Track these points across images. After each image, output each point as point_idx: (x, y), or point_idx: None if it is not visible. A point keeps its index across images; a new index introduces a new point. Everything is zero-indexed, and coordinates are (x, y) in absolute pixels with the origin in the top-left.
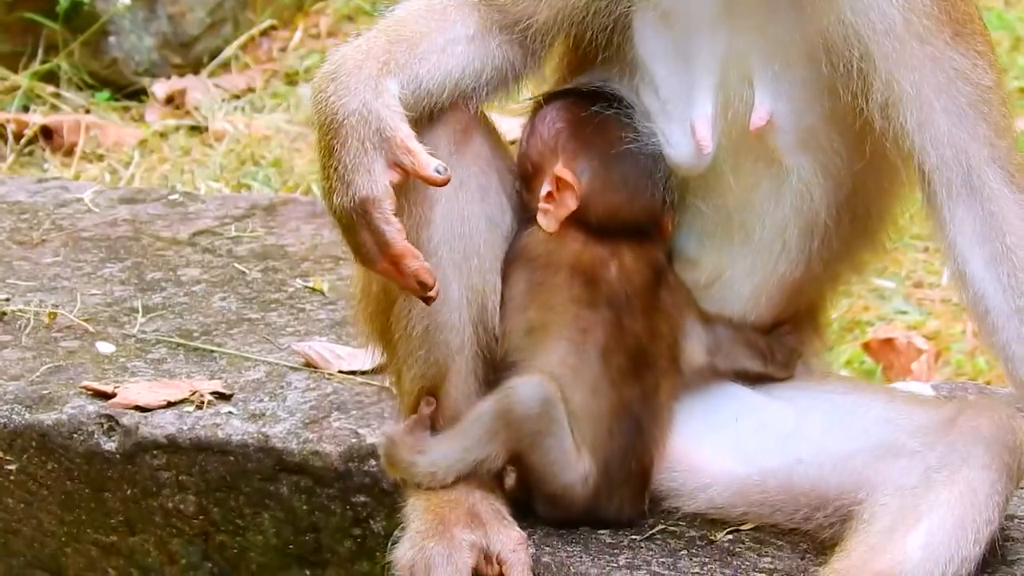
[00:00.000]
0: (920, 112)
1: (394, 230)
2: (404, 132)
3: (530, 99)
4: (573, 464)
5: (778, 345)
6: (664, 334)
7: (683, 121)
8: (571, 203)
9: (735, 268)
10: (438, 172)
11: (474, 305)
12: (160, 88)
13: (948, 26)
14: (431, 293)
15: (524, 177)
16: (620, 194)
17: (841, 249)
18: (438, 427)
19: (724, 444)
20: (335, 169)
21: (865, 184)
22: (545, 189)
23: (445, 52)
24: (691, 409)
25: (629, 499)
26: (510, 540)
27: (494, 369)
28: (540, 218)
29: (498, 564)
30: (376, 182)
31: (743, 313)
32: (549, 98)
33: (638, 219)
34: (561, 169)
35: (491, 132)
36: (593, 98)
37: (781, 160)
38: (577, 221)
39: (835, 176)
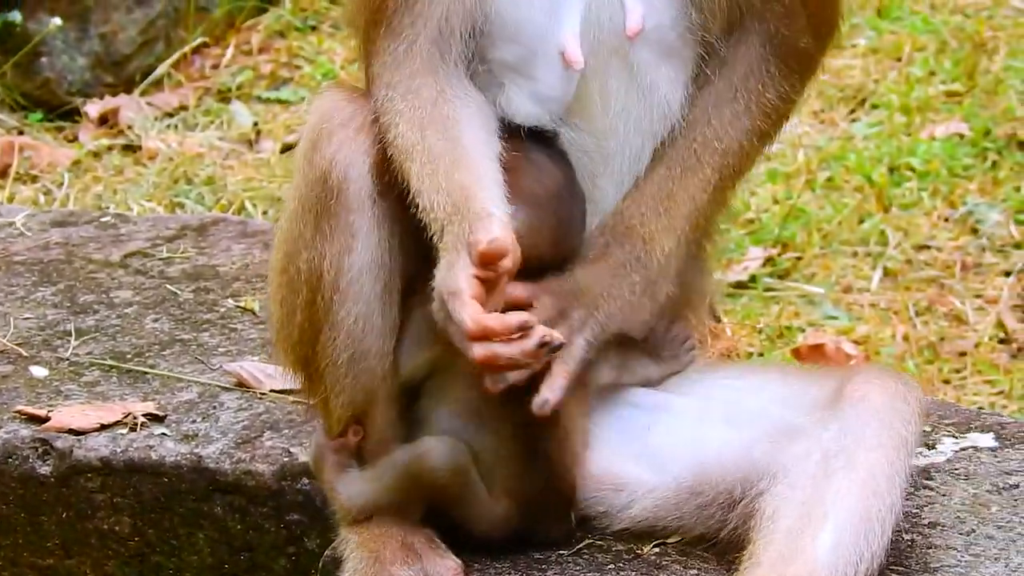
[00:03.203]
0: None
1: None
2: None
3: None
4: (489, 513)
5: (665, 341)
6: None
7: (548, 50)
8: None
9: (606, 202)
10: None
11: (395, 335)
12: (93, 108)
13: None
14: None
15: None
16: (548, 237)
17: None
18: (364, 451)
19: (639, 457)
20: None
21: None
22: None
23: None
24: (604, 425)
25: (554, 523)
26: (447, 571)
27: (408, 397)
28: None
29: None
30: None
31: None
32: None
33: (559, 259)
34: None
35: None
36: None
37: (646, 76)
38: None
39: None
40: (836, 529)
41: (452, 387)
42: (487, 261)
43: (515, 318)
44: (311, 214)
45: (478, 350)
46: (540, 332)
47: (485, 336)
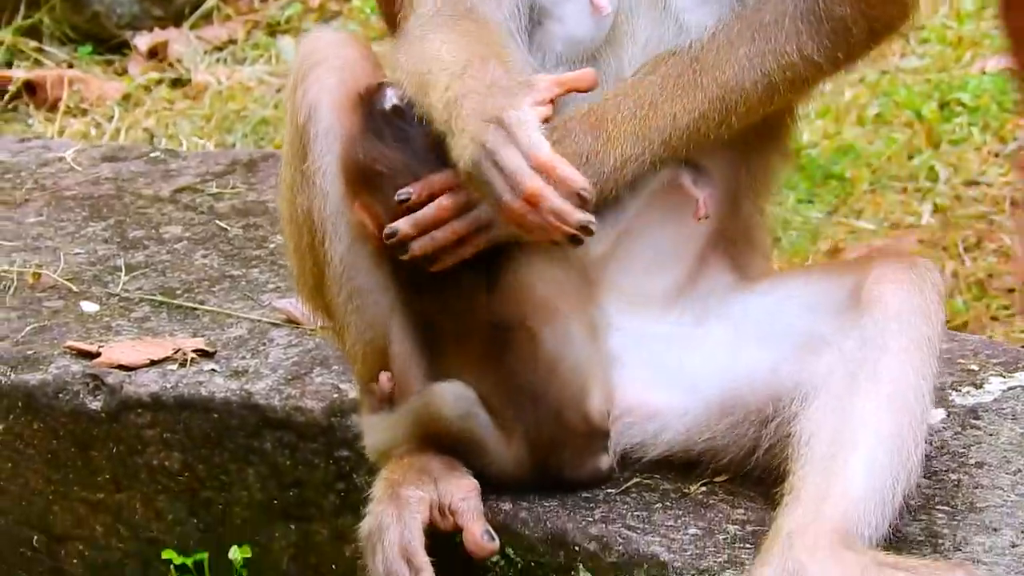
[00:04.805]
0: None
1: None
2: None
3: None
4: (502, 454)
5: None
6: (513, 284)
7: None
8: None
9: None
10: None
11: (389, 268)
12: (142, 41)
13: None
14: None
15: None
16: None
17: None
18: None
19: (672, 386)
20: None
21: None
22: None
23: None
24: (637, 362)
25: (576, 461)
26: (459, 489)
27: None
28: None
29: (451, 514)
30: None
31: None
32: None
33: None
34: None
35: None
36: None
37: (680, 18)
38: None
39: None
40: (867, 454)
41: (450, 336)
42: (565, 92)
43: (585, 179)
44: (297, 158)
45: (534, 183)
46: (589, 217)
47: (547, 172)
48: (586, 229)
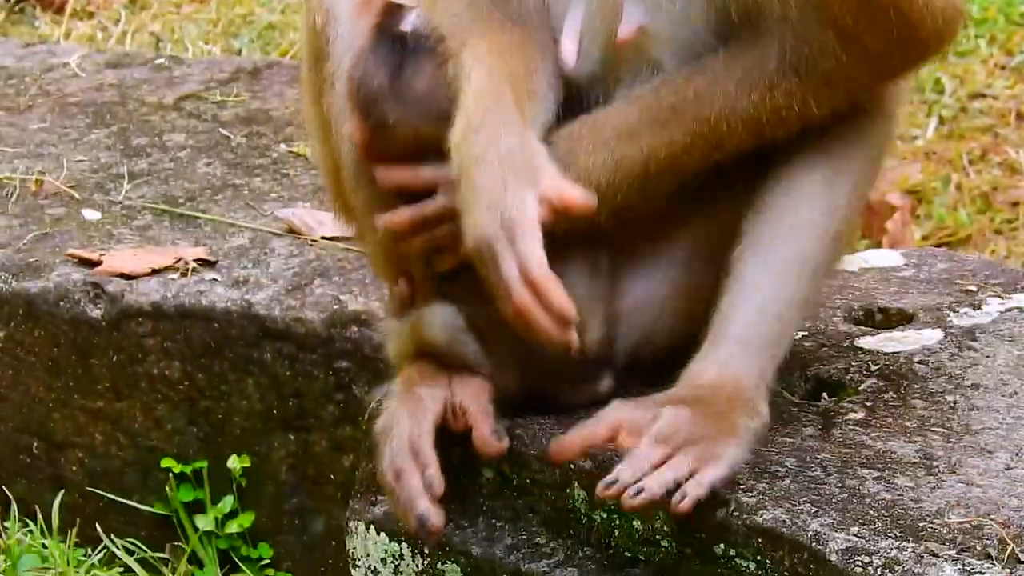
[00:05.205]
0: None
1: None
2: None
3: None
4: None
5: None
6: None
7: (562, 33)
8: None
9: None
10: None
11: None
12: None
13: None
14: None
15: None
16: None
17: None
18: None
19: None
20: None
21: None
22: None
23: None
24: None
25: (571, 390)
26: (472, 387)
27: None
28: None
29: (462, 414)
30: None
31: None
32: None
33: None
34: None
35: None
36: None
37: (662, 68)
38: None
39: None
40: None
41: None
42: (563, 208)
43: (570, 305)
44: (320, 61)
45: (522, 300)
46: (570, 340)
47: (536, 291)
48: (567, 347)
